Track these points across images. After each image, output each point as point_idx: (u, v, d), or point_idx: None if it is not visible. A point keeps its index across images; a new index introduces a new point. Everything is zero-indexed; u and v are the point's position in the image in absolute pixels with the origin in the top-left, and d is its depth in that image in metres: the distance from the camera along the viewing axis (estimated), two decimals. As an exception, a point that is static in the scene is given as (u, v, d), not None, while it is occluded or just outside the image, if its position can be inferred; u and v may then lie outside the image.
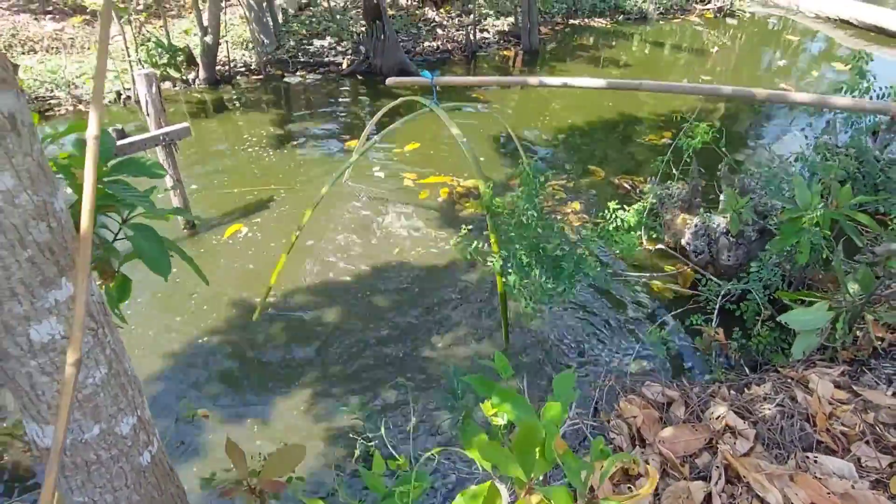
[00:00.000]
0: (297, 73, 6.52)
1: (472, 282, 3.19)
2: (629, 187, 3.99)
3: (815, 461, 1.76)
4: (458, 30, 7.42)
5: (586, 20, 8.14)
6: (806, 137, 3.75)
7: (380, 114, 3.49)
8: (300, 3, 7.98)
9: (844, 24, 7.40)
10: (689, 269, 3.10)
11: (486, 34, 7.39)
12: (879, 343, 2.31)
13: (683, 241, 3.16)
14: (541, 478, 1.10)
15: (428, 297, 3.06)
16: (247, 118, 5.37)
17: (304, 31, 7.10)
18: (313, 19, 7.42)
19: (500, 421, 1.37)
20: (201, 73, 6.10)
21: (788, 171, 3.05)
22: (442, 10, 7.94)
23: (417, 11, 7.87)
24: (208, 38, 5.84)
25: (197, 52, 6.11)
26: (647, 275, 3.12)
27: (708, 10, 8.28)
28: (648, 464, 1.83)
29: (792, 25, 7.83)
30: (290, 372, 2.60)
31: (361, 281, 3.21)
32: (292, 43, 6.90)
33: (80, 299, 0.78)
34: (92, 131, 0.81)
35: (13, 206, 0.77)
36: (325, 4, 7.59)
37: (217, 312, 2.92)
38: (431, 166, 4.45)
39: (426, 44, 7.12)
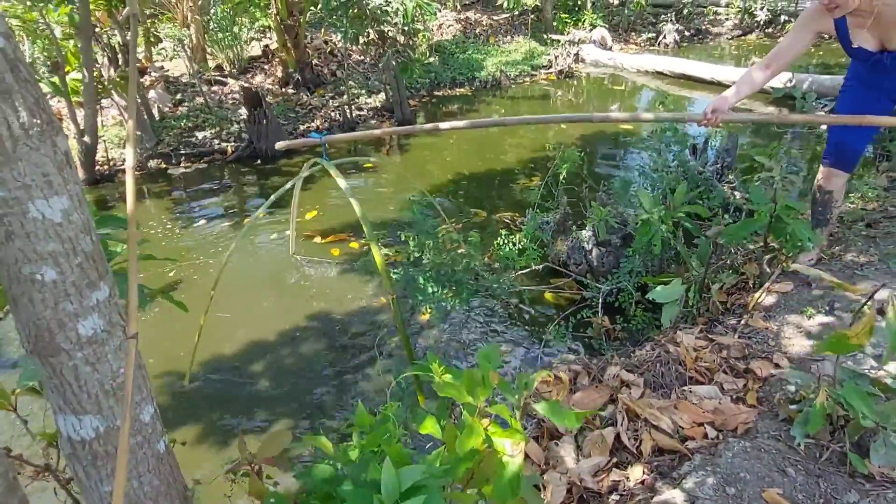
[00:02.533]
0: (182, 165, 6.64)
1: (383, 321, 3.50)
2: (508, 222, 4.54)
3: (691, 391, 2.21)
4: (333, 110, 7.93)
5: (449, 91, 9.01)
6: (650, 157, 4.55)
7: (289, 184, 3.79)
8: (174, 100, 8.16)
9: (660, 74, 8.82)
10: (573, 279, 3.61)
11: (361, 111, 7.96)
12: (723, 303, 2.89)
13: (564, 258, 3.68)
14: (485, 403, 1.42)
15: (344, 338, 3.33)
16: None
17: (182, 125, 7.26)
18: (190, 113, 7.61)
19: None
20: (80, 175, 6.05)
21: (634, 186, 3.72)
22: (316, 94, 8.45)
23: (294, 97, 8.32)
24: (87, 139, 5.86)
25: (74, 154, 6.08)
26: (542, 287, 3.60)
27: (551, 73, 9.48)
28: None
29: (622, 80, 9.19)
30: (223, 430, 2.74)
31: (283, 335, 3.41)
32: (173, 137, 7.04)
33: (133, 286, 1.02)
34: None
35: (69, 222, 1.01)
36: (201, 99, 7.82)
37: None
38: (336, 227, 4.78)
39: (306, 125, 7.54)
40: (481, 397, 1.44)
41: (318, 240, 4.60)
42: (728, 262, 3.10)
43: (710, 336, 2.55)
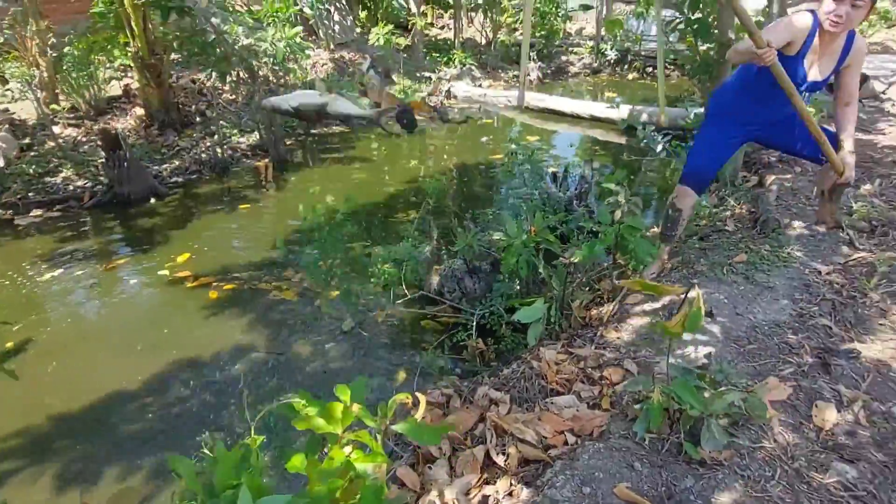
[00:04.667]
0: (31, 214, 6.10)
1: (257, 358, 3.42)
2: (384, 254, 4.62)
3: (552, 402, 2.37)
4: (204, 151, 7.67)
5: (326, 129, 9.03)
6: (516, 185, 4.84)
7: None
8: (21, 145, 7.50)
9: (526, 109, 9.44)
10: (448, 306, 3.74)
11: (234, 151, 7.77)
12: (583, 318, 3.13)
13: (438, 287, 3.81)
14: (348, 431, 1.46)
15: (214, 377, 3.22)
16: (-24, 267, 4.89)
17: (32, 171, 6.69)
18: (41, 159, 7.03)
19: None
20: None
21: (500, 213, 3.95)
22: (185, 135, 8.14)
23: (159, 138, 7.95)
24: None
25: None
26: (419, 312, 3.70)
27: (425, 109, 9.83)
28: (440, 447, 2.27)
29: (492, 115, 9.71)
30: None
31: (150, 381, 3.24)
32: (21, 184, 6.46)
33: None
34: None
35: None
36: (52, 143, 7.26)
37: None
38: (210, 269, 4.62)
39: (173, 166, 7.23)
40: (341, 426, 1.47)
41: (189, 283, 4.41)
42: (584, 280, 3.37)
43: (569, 350, 2.76)
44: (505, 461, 2.14)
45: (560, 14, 12.81)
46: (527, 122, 9.16)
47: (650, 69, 11.64)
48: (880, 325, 2.67)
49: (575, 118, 8.68)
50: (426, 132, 9.03)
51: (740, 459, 2.02)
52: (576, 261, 2.95)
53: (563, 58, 12.85)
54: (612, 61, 12.15)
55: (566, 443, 2.18)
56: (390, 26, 10.32)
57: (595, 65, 12.36)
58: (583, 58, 12.78)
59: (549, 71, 12.01)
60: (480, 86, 10.89)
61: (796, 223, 3.71)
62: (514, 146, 4.85)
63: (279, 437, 2.38)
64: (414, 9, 11.42)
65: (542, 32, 12.56)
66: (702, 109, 5.86)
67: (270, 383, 3.27)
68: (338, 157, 7.96)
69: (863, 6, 2.40)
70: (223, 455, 1.46)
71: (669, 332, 1.91)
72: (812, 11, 2.61)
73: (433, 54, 11.36)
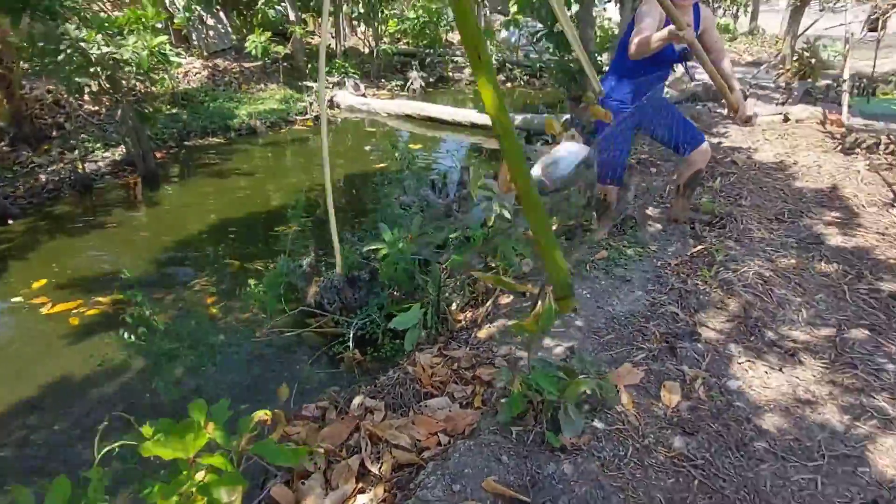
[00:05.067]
0: None
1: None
2: (262, 269, 4.50)
3: (426, 405, 2.42)
4: (63, 166, 7.07)
5: (201, 140, 8.63)
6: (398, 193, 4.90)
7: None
8: None
9: (409, 118, 9.56)
10: (329, 319, 3.70)
11: (97, 166, 7.23)
12: (459, 321, 3.22)
13: (318, 299, 3.76)
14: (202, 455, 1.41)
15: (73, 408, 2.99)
16: None
17: None
18: None
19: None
20: None
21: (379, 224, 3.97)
22: (40, 151, 7.46)
23: (10, 155, 7.23)
24: None
25: None
26: (297, 330, 3.63)
27: (308, 119, 9.66)
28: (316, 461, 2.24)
29: (377, 123, 9.73)
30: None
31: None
32: None
33: None
34: None
35: None
36: None
37: None
38: (70, 293, 4.27)
39: (28, 185, 6.60)
40: (192, 451, 1.42)
41: (46, 310, 4.05)
42: (459, 283, 3.47)
43: (445, 352, 2.82)
44: (379, 468, 2.16)
45: (442, 24, 13.11)
46: (411, 131, 9.28)
47: (527, 77, 12.19)
48: (717, 308, 2.97)
49: (456, 126, 8.91)
50: (309, 141, 8.90)
51: (597, 442, 2.16)
52: (447, 266, 3.03)
53: (445, 66, 13.15)
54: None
55: (439, 444, 2.23)
56: (268, 34, 10.05)
57: (473, 76, 12.72)
58: (466, 66, 13.13)
59: (431, 80, 12.22)
60: (364, 95, 10.88)
61: (651, 220, 4.04)
62: (397, 154, 4.90)
63: (148, 465, 2.24)
64: (293, 16, 11.20)
65: (425, 42, 12.79)
66: (568, 116, 6.23)
67: (138, 410, 3.06)
68: (217, 169, 7.63)
69: None
70: (58, 487, 1.37)
71: (525, 330, 2.01)
72: None
73: (314, 63, 11.19)
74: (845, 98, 6.54)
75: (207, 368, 3.36)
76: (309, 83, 10.63)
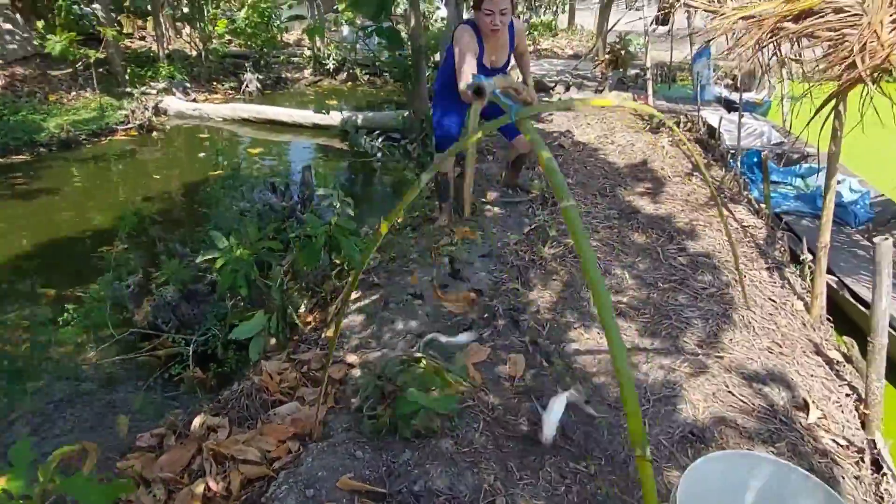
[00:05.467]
0: None
1: None
2: (82, 294, 4.04)
3: (275, 413, 2.31)
4: None
5: (2, 159, 7.54)
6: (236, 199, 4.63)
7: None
8: None
9: (247, 121, 9.10)
10: (166, 338, 3.40)
11: None
12: (308, 324, 3.12)
13: (152, 319, 3.44)
14: None
15: None
16: None
17: None
18: None
19: None
20: None
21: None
22: None
23: None
24: None
25: None
26: (129, 356, 3.30)
27: (131, 128, 8.82)
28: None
29: (211, 130, 9.14)
30: None
31: None
32: None
33: None
34: None
35: None
36: None
37: None
38: None
39: None
40: None
41: None
42: (304, 285, 3.36)
43: (293, 357, 2.72)
44: (227, 487, 2.02)
45: (276, 25, 12.63)
46: (252, 135, 8.85)
47: (368, 76, 12.17)
48: (553, 280, 3.17)
49: (298, 127, 8.65)
50: (136, 152, 8.15)
51: (450, 422, 2.20)
52: (288, 268, 2.92)
53: (283, 67, 12.71)
54: (331, 70, 12.39)
55: (290, 451, 2.13)
56: (70, 34, 9.03)
57: (313, 76, 12.46)
58: (303, 67, 12.80)
59: (269, 82, 11.75)
60: (195, 100, 10.18)
61: (490, 204, 4.21)
62: (221, 159, 4.63)
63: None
64: (104, 17, 10.15)
65: (259, 42, 12.25)
66: (407, 113, 6.31)
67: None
68: (25, 190, 6.70)
69: (508, 11, 3.07)
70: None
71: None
72: (467, 22, 3.25)
73: (134, 68, 10.26)
74: (650, 85, 7.31)
75: (25, 410, 2.94)
76: (128, 90, 9.70)
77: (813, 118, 2.89)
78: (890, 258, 2.22)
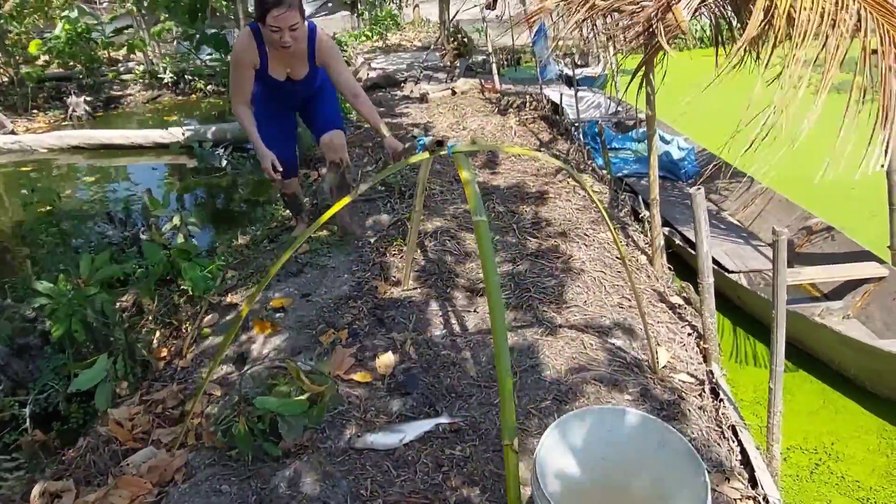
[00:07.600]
0: None
1: None
2: None
3: (128, 464, 2.10)
4: None
5: None
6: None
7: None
8: None
9: (79, 149, 8.26)
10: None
11: None
12: (163, 358, 2.88)
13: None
14: None
15: None
16: None
17: None
18: None
19: None
20: None
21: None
22: None
23: None
24: None
25: None
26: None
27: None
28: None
29: (38, 163, 8.19)
30: None
31: None
32: None
33: None
34: None
35: None
36: None
37: None
38: None
39: None
40: None
41: None
42: (152, 317, 3.11)
43: (145, 398, 2.49)
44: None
45: (99, 41, 11.54)
46: (86, 162, 8.04)
47: (211, 87, 11.50)
48: (415, 272, 3.17)
49: (139, 149, 8.00)
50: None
51: (321, 434, 2.13)
52: (128, 300, 2.67)
53: (113, 86, 11.68)
54: (169, 83, 11.57)
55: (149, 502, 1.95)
56: None
57: (150, 92, 11.56)
58: (137, 83, 11.84)
59: (99, 103, 10.75)
60: (13, 132, 9.07)
61: (349, 205, 4.13)
62: (34, 197, 4.15)
63: None
64: None
65: (81, 62, 11.15)
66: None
67: None
68: None
69: (298, 24, 2.71)
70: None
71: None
72: (250, 27, 2.89)
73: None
74: (495, 69, 7.56)
75: None
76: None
77: (628, 86, 3.11)
78: (704, 206, 2.44)
